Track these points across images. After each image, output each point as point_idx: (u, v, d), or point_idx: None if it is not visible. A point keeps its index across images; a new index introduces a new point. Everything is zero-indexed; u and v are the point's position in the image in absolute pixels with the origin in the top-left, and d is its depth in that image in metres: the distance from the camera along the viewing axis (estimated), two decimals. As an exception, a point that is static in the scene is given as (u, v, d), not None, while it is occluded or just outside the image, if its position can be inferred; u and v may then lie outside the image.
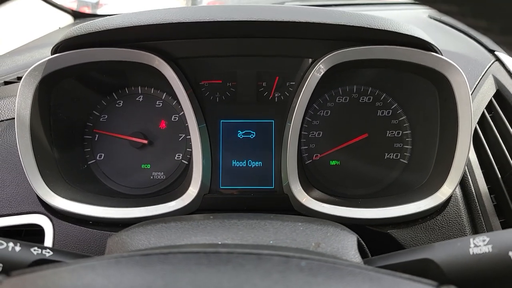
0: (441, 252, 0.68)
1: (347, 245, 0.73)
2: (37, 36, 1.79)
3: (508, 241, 0.65)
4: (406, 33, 1.00)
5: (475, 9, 0.36)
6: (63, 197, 1.06)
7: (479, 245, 0.66)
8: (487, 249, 0.65)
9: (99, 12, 2.44)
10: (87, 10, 2.22)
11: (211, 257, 0.50)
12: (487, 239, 0.66)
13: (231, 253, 0.51)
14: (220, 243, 0.71)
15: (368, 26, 0.99)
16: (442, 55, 1.04)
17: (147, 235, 0.74)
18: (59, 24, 1.94)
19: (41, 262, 0.71)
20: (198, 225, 0.76)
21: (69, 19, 2.04)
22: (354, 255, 0.72)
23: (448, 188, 1.03)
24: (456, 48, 1.34)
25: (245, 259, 0.50)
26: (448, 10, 0.39)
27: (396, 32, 1.00)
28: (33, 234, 1.08)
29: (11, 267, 0.67)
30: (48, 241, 1.05)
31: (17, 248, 0.70)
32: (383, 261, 0.73)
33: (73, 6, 2.20)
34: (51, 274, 0.50)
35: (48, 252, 0.72)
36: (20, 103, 1.03)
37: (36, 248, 0.72)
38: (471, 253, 0.65)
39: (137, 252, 0.52)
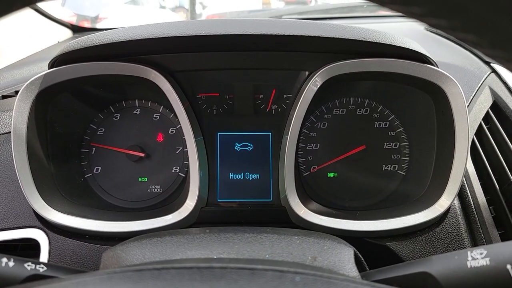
0: (439, 265, 0.68)
1: (344, 258, 0.73)
2: (36, 50, 1.81)
3: (506, 253, 0.64)
4: (401, 46, 1.01)
5: (464, 23, 0.36)
6: (59, 211, 1.05)
7: (477, 258, 0.65)
8: (484, 262, 0.64)
9: (98, 26, 2.46)
10: (86, 24, 2.23)
11: (204, 273, 0.50)
12: (485, 252, 0.66)
13: (224, 268, 0.51)
14: (215, 257, 0.71)
15: (363, 39, 0.99)
16: (438, 67, 1.05)
17: (142, 249, 0.73)
18: (58, 38, 1.96)
19: (35, 278, 0.71)
20: (194, 239, 0.76)
21: (68, 33, 2.05)
22: (351, 269, 0.71)
23: (446, 200, 1.03)
24: (453, 60, 1.35)
25: (238, 274, 0.49)
26: (438, 24, 0.39)
27: (391, 45, 1.00)
28: (29, 248, 1.07)
29: (4, 283, 0.66)
30: (44, 255, 1.04)
31: (11, 264, 0.69)
32: (381, 274, 0.72)
33: (73, 20, 2.22)
34: (42, 291, 0.50)
35: (42, 268, 0.72)
36: (17, 117, 1.03)
37: (30, 263, 0.71)
38: (468, 266, 0.65)
39: (130, 268, 0.52)
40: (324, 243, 0.76)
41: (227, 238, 0.76)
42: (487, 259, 0.64)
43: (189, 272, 0.50)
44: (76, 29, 2.08)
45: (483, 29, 0.36)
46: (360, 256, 0.80)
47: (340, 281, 0.50)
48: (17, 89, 1.39)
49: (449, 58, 1.35)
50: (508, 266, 0.62)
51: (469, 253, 0.67)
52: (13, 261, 0.70)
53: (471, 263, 0.65)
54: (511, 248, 0.65)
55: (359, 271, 0.74)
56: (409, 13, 0.40)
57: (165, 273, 0.50)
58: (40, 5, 1.82)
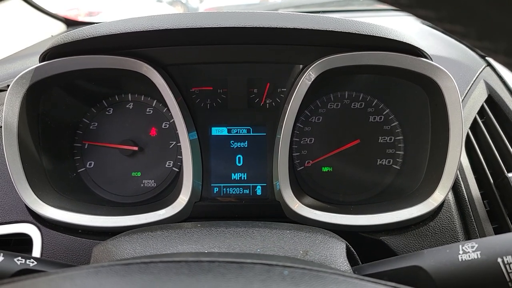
0: (431, 259, 0.68)
1: (336, 252, 0.73)
2: (29, 44, 1.79)
3: (497, 247, 0.64)
4: (396, 39, 1.00)
5: (452, 14, 0.36)
6: (51, 206, 1.04)
7: (468, 251, 0.65)
8: (476, 255, 0.64)
9: (94, 20, 2.44)
10: (80, 18, 2.22)
11: (192, 266, 0.49)
12: (476, 245, 0.66)
13: (213, 262, 0.50)
14: (206, 251, 0.70)
15: (356, 32, 0.98)
16: (432, 60, 1.04)
17: (133, 244, 0.73)
18: (51, 32, 1.94)
19: (25, 272, 0.71)
20: (185, 234, 0.75)
21: (62, 27, 2.04)
22: (342, 263, 0.71)
23: (440, 194, 1.02)
24: (448, 54, 1.34)
25: (226, 268, 0.49)
26: (426, 15, 0.38)
27: (386, 38, 0.99)
28: (22, 243, 1.06)
29: (-7, 278, 0.66)
30: (37, 250, 1.04)
31: (0, 258, 0.69)
32: (373, 268, 0.72)
33: (67, 14, 2.19)
34: (29, 285, 0.49)
35: (32, 262, 0.72)
36: (7, 111, 1.02)
37: (19, 258, 0.71)
38: (460, 259, 0.65)
39: (117, 262, 0.51)
40: (316, 237, 0.75)
41: (218, 233, 0.76)
42: (478, 252, 0.64)
43: (176, 266, 0.49)
44: (70, 23, 2.06)
45: (470, 20, 0.35)
46: (353, 250, 0.80)
47: (328, 274, 0.49)
48: (9, 83, 1.37)
49: (444, 52, 1.34)
50: (499, 260, 0.62)
51: (460, 246, 0.67)
52: (3, 256, 0.70)
53: (462, 257, 0.65)
54: (502, 242, 0.65)
55: (351, 265, 0.74)
56: (397, 5, 0.40)
57: (152, 267, 0.50)
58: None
